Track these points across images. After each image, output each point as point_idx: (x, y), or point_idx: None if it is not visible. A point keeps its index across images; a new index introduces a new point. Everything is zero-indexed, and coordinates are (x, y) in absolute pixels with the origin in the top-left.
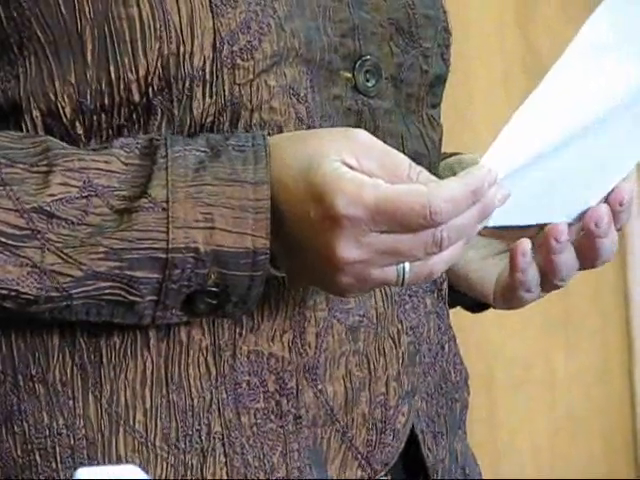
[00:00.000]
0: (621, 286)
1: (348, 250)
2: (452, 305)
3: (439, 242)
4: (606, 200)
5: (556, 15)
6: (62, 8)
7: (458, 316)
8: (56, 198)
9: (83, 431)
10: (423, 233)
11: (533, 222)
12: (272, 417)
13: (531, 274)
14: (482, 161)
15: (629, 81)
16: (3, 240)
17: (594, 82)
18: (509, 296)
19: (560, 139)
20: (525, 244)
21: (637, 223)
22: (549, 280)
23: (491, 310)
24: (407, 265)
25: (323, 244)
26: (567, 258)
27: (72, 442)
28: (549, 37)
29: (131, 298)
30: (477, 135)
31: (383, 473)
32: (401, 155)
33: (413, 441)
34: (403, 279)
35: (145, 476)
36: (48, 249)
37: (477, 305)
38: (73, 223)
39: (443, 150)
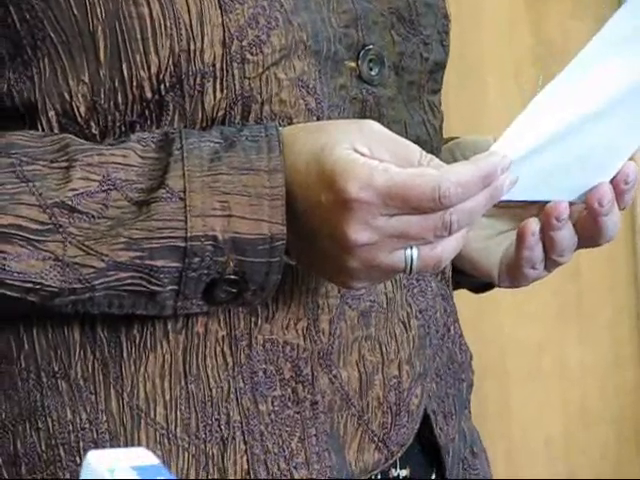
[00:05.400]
0: (634, 277)
1: (358, 233)
2: (455, 287)
3: (448, 225)
4: (611, 180)
5: (566, 7)
6: (74, 9)
7: (472, 308)
8: (77, 192)
9: (106, 425)
10: (433, 216)
11: (538, 199)
12: (289, 404)
13: (537, 251)
14: (494, 146)
15: None
16: (26, 235)
17: (611, 72)
18: (514, 273)
19: (572, 125)
20: (534, 224)
21: None
22: (548, 256)
23: (505, 301)
24: (415, 252)
25: (334, 227)
26: (565, 235)
27: (95, 436)
28: (559, 29)
29: (152, 288)
30: (489, 124)
31: (400, 454)
32: (412, 144)
33: (425, 422)
34: (411, 267)
35: (155, 459)
36: (70, 242)
37: (480, 286)
38: (94, 217)
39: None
